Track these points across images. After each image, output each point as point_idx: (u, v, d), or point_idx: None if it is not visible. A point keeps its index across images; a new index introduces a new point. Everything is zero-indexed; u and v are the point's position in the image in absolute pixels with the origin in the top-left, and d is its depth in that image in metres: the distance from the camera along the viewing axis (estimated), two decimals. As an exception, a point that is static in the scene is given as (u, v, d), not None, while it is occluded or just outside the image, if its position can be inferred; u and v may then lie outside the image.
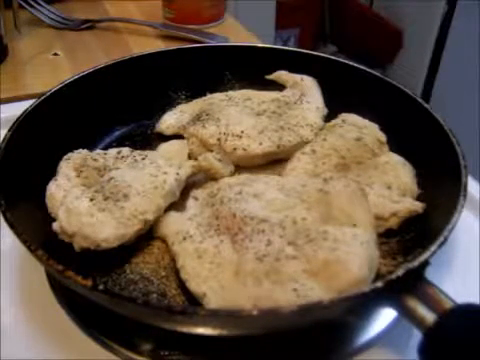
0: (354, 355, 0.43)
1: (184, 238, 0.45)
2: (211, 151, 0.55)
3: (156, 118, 0.65)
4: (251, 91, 0.65)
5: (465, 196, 0.44)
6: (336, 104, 0.62)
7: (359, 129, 0.56)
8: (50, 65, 0.85)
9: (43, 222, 0.48)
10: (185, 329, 0.39)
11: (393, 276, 0.37)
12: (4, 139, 0.50)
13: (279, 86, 0.66)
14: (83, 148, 0.55)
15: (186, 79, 0.69)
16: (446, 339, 0.35)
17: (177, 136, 0.62)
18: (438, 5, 1.56)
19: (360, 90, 0.63)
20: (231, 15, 1.04)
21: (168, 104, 0.68)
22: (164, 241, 0.48)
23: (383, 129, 0.57)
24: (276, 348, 0.43)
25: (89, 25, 0.96)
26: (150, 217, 0.47)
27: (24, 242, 0.40)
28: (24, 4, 0.94)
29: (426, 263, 0.39)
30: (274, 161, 0.57)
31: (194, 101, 0.66)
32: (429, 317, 0.36)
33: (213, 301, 0.40)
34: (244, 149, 0.55)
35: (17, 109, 0.56)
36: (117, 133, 0.65)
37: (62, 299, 0.47)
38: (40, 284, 0.48)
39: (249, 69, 0.69)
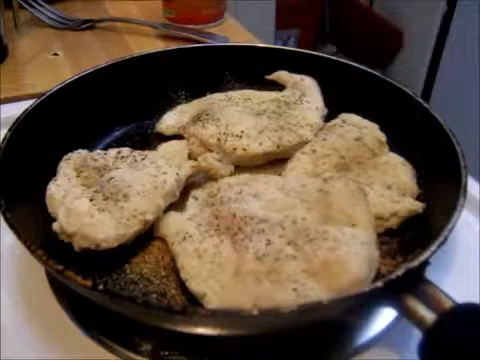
0: (354, 355, 0.43)
1: (184, 238, 0.45)
2: (211, 151, 0.55)
3: (156, 118, 0.65)
4: (251, 91, 0.65)
5: (465, 196, 0.44)
6: (336, 104, 0.62)
7: (359, 129, 0.56)
8: (50, 65, 0.85)
9: (43, 222, 0.48)
10: (185, 329, 0.39)
11: (393, 276, 0.37)
12: (4, 139, 0.50)
13: (279, 86, 0.66)
14: (83, 148, 0.55)
15: (186, 79, 0.69)
16: (446, 339, 0.35)
17: (177, 136, 0.62)
18: (438, 5, 1.56)
19: (360, 90, 0.63)
20: (231, 15, 1.05)
21: (168, 104, 0.68)
22: (164, 241, 0.48)
23: (383, 129, 0.57)
24: (276, 348, 0.43)
25: (89, 25, 0.97)
26: (150, 217, 0.47)
27: (24, 242, 0.40)
28: (24, 4, 0.94)
29: (426, 263, 0.39)
30: (274, 161, 0.57)
31: (194, 101, 0.66)
32: (429, 317, 0.36)
33: (213, 301, 0.40)
34: (244, 149, 0.55)
35: (17, 109, 0.56)
36: (117, 133, 0.65)
37: (62, 299, 0.47)
38: (40, 284, 0.48)
39: (249, 69, 0.69)
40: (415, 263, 0.38)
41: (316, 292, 0.38)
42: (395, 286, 0.37)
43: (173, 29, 0.94)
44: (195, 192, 0.51)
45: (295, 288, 0.39)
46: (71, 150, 0.54)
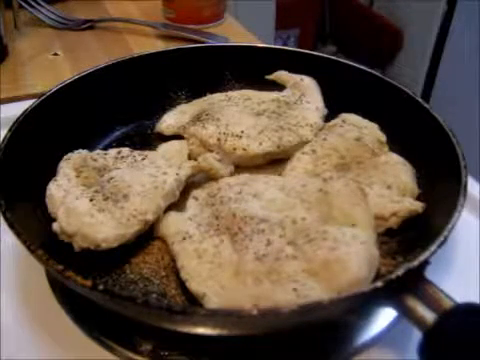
0: (354, 355, 0.43)
1: (184, 238, 0.45)
2: (211, 151, 0.55)
3: (156, 118, 0.65)
4: (251, 91, 0.65)
5: (465, 196, 0.44)
6: (336, 104, 0.62)
7: (359, 129, 0.56)
8: (50, 65, 0.85)
9: (43, 222, 0.48)
10: (185, 329, 0.39)
11: (393, 276, 0.37)
12: (4, 139, 0.50)
13: (279, 86, 0.66)
14: (83, 148, 0.55)
15: (186, 79, 0.69)
16: (446, 339, 0.35)
17: (177, 136, 0.62)
18: (438, 5, 1.56)
19: (360, 90, 0.63)
20: (231, 15, 1.05)
21: (168, 104, 0.68)
22: (164, 241, 0.48)
23: (383, 129, 0.57)
24: (276, 348, 0.43)
25: (89, 25, 0.97)
26: (150, 217, 0.47)
27: (24, 242, 0.40)
28: (24, 4, 0.94)
29: (426, 263, 0.39)
30: (274, 161, 0.57)
31: (194, 101, 0.66)
32: (429, 317, 0.36)
33: (213, 301, 0.40)
34: (244, 149, 0.55)
35: (17, 109, 0.56)
36: (117, 133, 0.65)
37: (62, 299, 0.47)
38: (40, 284, 0.48)
39: (249, 69, 0.69)
40: (415, 263, 0.38)
41: (316, 292, 0.38)
42: (395, 286, 0.37)
43: (173, 29, 0.94)
44: (195, 192, 0.51)
45: (295, 288, 0.39)
46: (71, 150, 0.54)
